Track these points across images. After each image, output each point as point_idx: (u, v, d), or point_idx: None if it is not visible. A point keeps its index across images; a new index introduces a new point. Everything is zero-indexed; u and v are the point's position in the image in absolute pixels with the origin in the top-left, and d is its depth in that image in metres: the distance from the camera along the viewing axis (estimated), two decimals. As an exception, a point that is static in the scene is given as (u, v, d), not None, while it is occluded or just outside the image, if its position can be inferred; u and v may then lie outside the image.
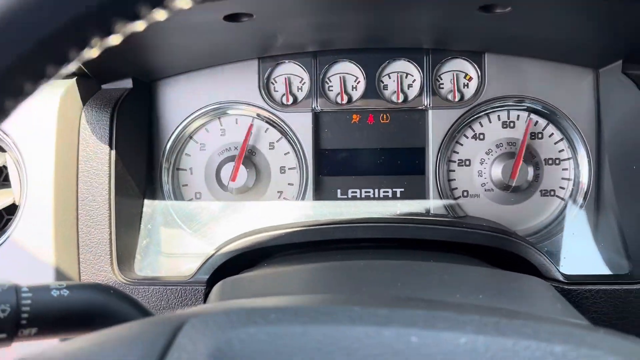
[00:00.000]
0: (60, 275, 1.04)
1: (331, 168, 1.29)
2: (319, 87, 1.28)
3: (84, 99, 1.12)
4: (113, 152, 1.09)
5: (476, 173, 1.28)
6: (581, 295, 1.02)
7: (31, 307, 0.72)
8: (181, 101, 1.28)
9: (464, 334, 0.52)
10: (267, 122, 1.30)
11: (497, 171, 1.25)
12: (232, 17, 0.96)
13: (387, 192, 1.29)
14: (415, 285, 0.78)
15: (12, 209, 1.11)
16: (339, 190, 1.30)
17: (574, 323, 0.58)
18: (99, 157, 1.08)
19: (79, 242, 1.07)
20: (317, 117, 1.29)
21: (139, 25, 0.43)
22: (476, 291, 0.76)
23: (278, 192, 1.30)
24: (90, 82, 1.15)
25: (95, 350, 0.54)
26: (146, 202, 1.21)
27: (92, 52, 0.43)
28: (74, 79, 1.11)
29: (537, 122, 1.27)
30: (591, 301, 1.02)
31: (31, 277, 1.03)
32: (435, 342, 0.51)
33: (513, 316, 0.55)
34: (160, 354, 0.51)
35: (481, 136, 1.28)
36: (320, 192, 1.29)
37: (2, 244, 1.05)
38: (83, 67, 1.09)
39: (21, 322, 0.71)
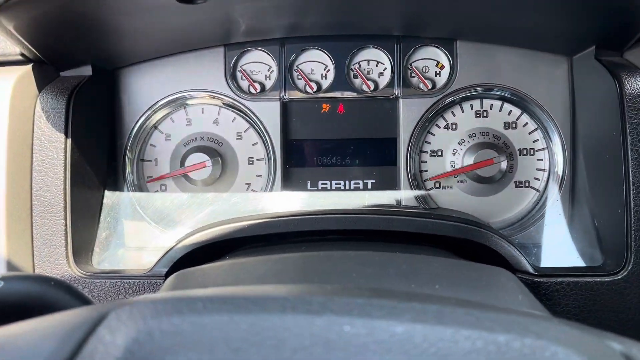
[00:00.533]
0: (12, 267, 1.00)
1: (300, 159, 1.26)
2: (287, 76, 1.25)
3: (40, 87, 1.08)
4: (69, 140, 1.05)
5: (449, 164, 1.25)
6: (552, 288, 0.99)
7: (-39, 300, 0.68)
8: (145, 90, 1.24)
9: (401, 323, 0.48)
10: (233, 111, 1.26)
11: (470, 162, 1.21)
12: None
13: (358, 183, 1.25)
14: (371, 275, 0.75)
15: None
16: (308, 182, 1.26)
17: (525, 312, 0.55)
18: (54, 145, 1.04)
19: (33, 234, 1.03)
20: (285, 106, 1.25)
21: None
22: (433, 281, 0.73)
23: (246, 183, 1.27)
24: (47, 69, 1.11)
25: (8, 340, 0.50)
26: (107, 193, 1.17)
27: None
28: (30, 66, 1.07)
29: (510, 111, 1.24)
30: (562, 294, 0.99)
31: (-19, 270, 0.99)
32: (369, 331, 0.48)
33: (457, 305, 0.51)
34: (76, 346, 0.48)
35: (453, 126, 1.25)
36: (289, 184, 1.25)
37: (-50, 236, 1.00)
38: (38, 53, 1.05)
39: (-51, 314, 0.67)
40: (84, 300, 0.75)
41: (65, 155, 1.04)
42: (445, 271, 0.80)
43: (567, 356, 0.46)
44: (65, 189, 1.04)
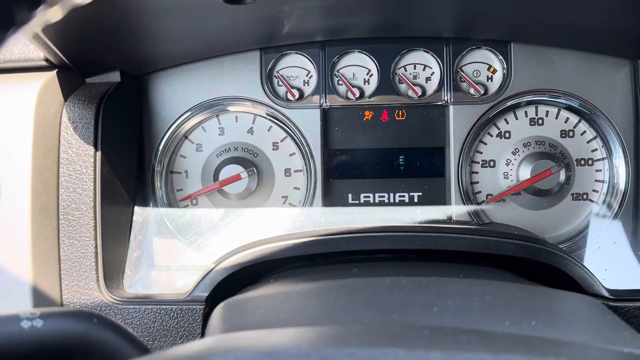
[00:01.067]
0: (39, 295, 0.91)
1: (342, 170, 1.17)
2: (327, 81, 1.16)
3: (66, 95, 0.99)
4: (99, 153, 0.96)
5: (502, 175, 1.16)
6: (630, 313, 0.91)
7: (-3, 344, 0.60)
8: (175, 97, 1.16)
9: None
10: (270, 119, 1.17)
11: (525, 173, 1.13)
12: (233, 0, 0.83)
13: (404, 196, 1.17)
14: (455, 310, 0.66)
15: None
16: (350, 195, 1.18)
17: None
18: (82, 159, 0.96)
19: (60, 257, 0.94)
20: (325, 114, 1.17)
21: None
22: (526, 317, 0.64)
23: (283, 197, 1.18)
24: (72, 75, 1.02)
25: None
26: (136, 209, 1.09)
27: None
28: (54, 72, 0.98)
29: (567, 118, 1.16)
30: (640, 319, 0.90)
31: (6, 299, 0.90)
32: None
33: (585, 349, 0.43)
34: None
35: (507, 134, 1.16)
36: (330, 197, 1.17)
37: (-28, 259, 0.92)
38: (64, 58, 0.96)
39: (-17, 361, 0.58)
40: (130, 339, 0.67)
41: (94, 170, 0.96)
42: (531, 302, 0.71)
43: None
44: (95, 206, 0.95)
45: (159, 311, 0.93)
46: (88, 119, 0.97)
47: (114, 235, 1.00)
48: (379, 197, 1.17)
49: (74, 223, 0.95)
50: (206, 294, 0.93)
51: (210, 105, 1.16)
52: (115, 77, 1.06)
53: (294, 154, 1.18)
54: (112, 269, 0.98)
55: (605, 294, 0.92)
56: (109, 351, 0.65)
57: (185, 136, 1.18)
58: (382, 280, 0.79)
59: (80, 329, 0.65)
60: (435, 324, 0.62)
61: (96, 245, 0.95)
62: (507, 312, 0.67)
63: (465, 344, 0.47)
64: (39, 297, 0.91)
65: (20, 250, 0.91)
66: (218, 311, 0.76)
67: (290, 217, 1.16)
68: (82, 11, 0.81)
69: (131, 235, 1.06)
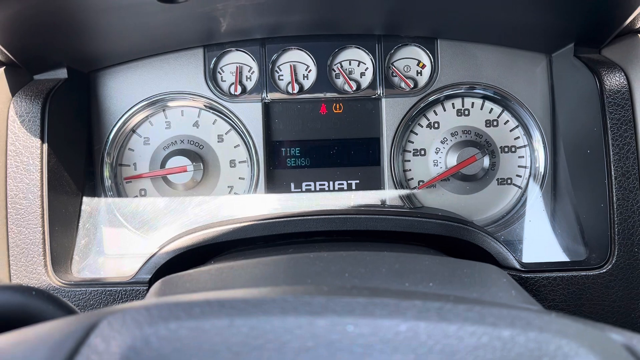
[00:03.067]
0: (-13, 279, 0.96)
1: (283, 160, 1.24)
2: (268, 76, 1.23)
3: (13, 91, 1.04)
4: (45, 145, 1.02)
5: (432, 162, 1.25)
6: (539, 283, 1.00)
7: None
8: (123, 93, 1.21)
9: (405, 320, 0.47)
10: (214, 113, 1.24)
11: (452, 160, 1.22)
12: (167, -2, 0.90)
13: (342, 184, 1.25)
14: (364, 275, 0.74)
15: None
16: (292, 184, 1.25)
17: (524, 307, 0.55)
18: (29, 151, 1.01)
19: (9, 243, 0.99)
20: (267, 107, 1.24)
21: None
22: (426, 279, 0.72)
23: (228, 187, 1.25)
24: (20, 72, 1.07)
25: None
26: (85, 199, 1.14)
27: None
28: (2, 69, 1.03)
29: (491, 109, 1.25)
30: (549, 288, 1.00)
31: (-46, 283, 0.95)
32: (374, 330, 0.47)
33: (458, 301, 0.51)
34: (67, 356, 0.46)
35: (436, 125, 1.25)
36: (273, 186, 1.24)
37: None
38: (10, 56, 1.01)
39: None
40: (68, 310, 0.73)
41: (41, 161, 1.01)
42: (437, 269, 0.79)
43: (571, 349, 0.46)
44: (42, 195, 1.00)
45: (104, 293, 0.98)
46: (35, 113, 1.02)
47: (62, 223, 1.05)
48: (320, 185, 1.25)
49: (22, 212, 1.00)
50: (149, 276, 0.99)
51: (157, 100, 1.22)
52: (62, 73, 1.11)
53: (238, 145, 1.24)
54: (60, 255, 1.03)
55: (517, 266, 1.01)
56: (47, 319, 0.71)
57: (133, 130, 1.23)
58: (306, 255, 0.87)
59: (19, 300, 0.70)
60: (339, 284, 0.69)
61: (43, 232, 1.00)
62: (410, 276, 0.74)
63: (350, 292, 0.55)
64: (-12, 282, 0.96)
65: (-31, 238, 0.96)
66: (153, 287, 0.83)
67: (234, 205, 1.22)
68: (23, 8, 0.87)
69: (79, 224, 1.11)
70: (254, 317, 0.48)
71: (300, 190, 1.24)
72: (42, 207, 1.00)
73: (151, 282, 0.99)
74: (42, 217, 1.00)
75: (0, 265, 0.98)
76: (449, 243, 1.06)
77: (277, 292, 0.56)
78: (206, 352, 0.46)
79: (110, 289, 0.98)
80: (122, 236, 1.17)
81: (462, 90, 1.24)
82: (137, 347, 0.46)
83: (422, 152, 1.25)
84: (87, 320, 0.49)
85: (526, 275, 1.00)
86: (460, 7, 1.07)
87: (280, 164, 1.24)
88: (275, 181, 1.24)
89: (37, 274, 0.99)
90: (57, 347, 0.47)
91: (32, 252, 0.99)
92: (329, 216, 1.05)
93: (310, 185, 1.25)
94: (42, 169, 1.01)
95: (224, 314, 0.49)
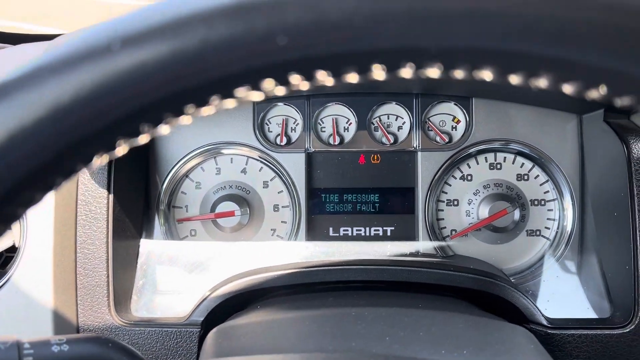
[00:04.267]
0: (58, 317, 1.06)
1: (323, 207, 1.33)
2: (311, 129, 1.32)
3: (83, 143, 1.15)
4: (111, 196, 1.12)
5: (464, 213, 1.32)
6: (564, 340, 1.06)
7: (32, 365, 0.74)
8: (178, 142, 1.31)
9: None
10: (261, 161, 1.33)
11: (484, 211, 1.29)
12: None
13: (378, 230, 1.32)
14: (404, 339, 0.82)
15: (12, 251, 1.14)
16: (330, 229, 1.33)
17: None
18: (97, 201, 1.11)
19: (77, 285, 1.10)
20: (309, 157, 1.32)
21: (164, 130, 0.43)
22: (461, 346, 0.80)
23: (271, 229, 1.34)
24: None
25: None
26: (142, 241, 1.24)
27: (119, 153, 0.43)
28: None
29: (523, 164, 1.31)
30: (573, 345, 1.06)
31: (30, 320, 1.06)
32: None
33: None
34: None
35: (469, 177, 1.32)
36: (313, 230, 1.32)
37: (3, 284, 1.07)
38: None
39: (23, 379, 0.73)
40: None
41: (107, 210, 1.11)
42: (471, 333, 0.87)
43: None
44: (107, 242, 1.10)
45: (160, 333, 1.08)
46: (103, 167, 1.13)
47: (123, 265, 1.15)
48: (356, 230, 1.33)
49: (89, 256, 1.10)
50: (202, 319, 1.09)
51: (209, 148, 1.32)
52: (125, 126, 1.21)
53: (281, 191, 1.33)
54: (121, 295, 1.13)
55: (544, 322, 1.07)
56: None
57: (186, 175, 1.33)
58: (350, 311, 0.95)
59: (98, 352, 0.80)
60: (384, 352, 0.77)
61: (107, 275, 1.10)
62: (446, 342, 0.82)
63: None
64: (59, 321, 1.07)
65: (44, 279, 1.06)
66: (210, 337, 0.92)
67: (277, 250, 1.31)
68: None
69: (137, 265, 1.21)
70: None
71: (338, 234, 1.33)
72: (107, 252, 1.10)
73: (203, 323, 1.09)
74: (107, 261, 1.10)
75: (69, 305, 1.09)
76: (479, 294, 1.13)
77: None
78: None
79: (166, 329, 1.08)
80: (175, 276, 1.27)
81: (495, 146, 1.30)
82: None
83: (455, 202, 1.32)
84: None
85: (552, 332, 1.06)
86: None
87: (320, 209, 1.33)
88: (315, 225, 1.32)
89: (102, 313, 1.09)
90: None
91: (97, 294, 1.09)
92: (367, 267, 1.13)
93: (347, 230, 1.33)
94: (107, 217, 1.11)
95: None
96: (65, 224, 1.10)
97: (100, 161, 0.42)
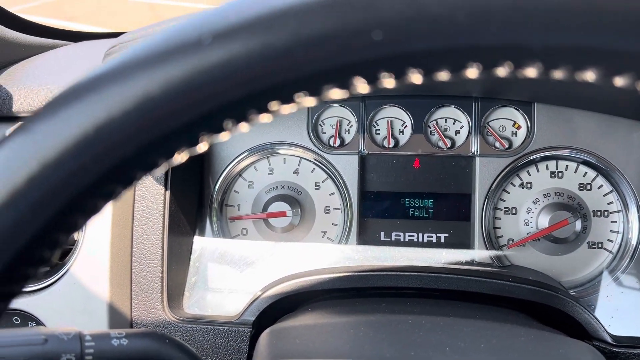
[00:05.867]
0: (113, 311, 1.08)
1: (375, 210, 1.31)
2: (366, 131, 1.30)
3: (142, 140, 1.16)
4: (168, 192, 1.13)
5: (522, 222, 1.27)
6: (630, 359, 1.00)
7: (94, 357, 0.75)
8: (233, 141, 1.32)
9: None
10: (314, 162, 1.32)
11: (544, 221, 1.24)
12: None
13: (432, 237, 1.29)
14: (464, 350, 0.79)
15: (71, 243, 1.17)
16: (382, 233, 1.31)
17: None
18: (154, 197, 1.13)
19: (132, 280, 1.11)
20: (363, 159, 1.31)
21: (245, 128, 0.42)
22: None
23: (322, 231, 1.32)
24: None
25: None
26: (196, 238, 1.25)
27: (200, 149, 0.42)
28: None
29: (586, 173, 1.26)
30: (639, 365, 1.00)
31: (86, 312, 1.07)
32: None
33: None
34: None
35: (529, 185, 1.27)
36: (364, 234, 1.30)
37: (62, 276, 1.09)
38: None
39: (84, 371, 0.74)
40: (193, 357, 0.82)
41: (164, 207, 1.12)
42: (533, 347, 0.83)
43: None
44: (163, 238, 1.12)
45: (212, 331, 1.08)
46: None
47: (177, 262, 1.16)
48: (409, 236, 1.30)
49: (145, 252, 1.12)
50: (253, 319, 1.08)
51: (263, 148, 1.32)
52: (182, 124, 1.22)
53: (333, 193, 1.32)
54: (174, 291, 1.14)
55: (608, 339, 1.02)
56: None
57: (240, 174, 1.34)
58: (405, 318, 0.92)
59: (155, 348, 0.80)
60: (445, 363, 0.74)
61: (162, 271, 1.11)
62: (508, 355, 0.79)
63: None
64: (114, 314, 1.08)
65: (101, 273, 1.08)
66: (264, 337, 0.91)
67: (328, 252, 1.30)
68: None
69: (190, 262, 1.22)
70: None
71: (389, 239, 1.30)
72: (163, 248, 1.12)
73: (255, 323, 1.08)
74: (162, 257, 1.11)
75: (124, 300, 1.10)
76: (538, 307, 1.08)
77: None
78: None
79: (217, 327, 1.08)
80: (226, 274, 1.27)
81: (557, 153, 1.25)
82: None
83: (514, 210, 1.28)
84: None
85: (617, 350, 1.01)
86: (561, 80, 1.10)
87: (373, 213, 1.31)
88: (366, 229, 1.30)
89: (155, 309, 1.10)
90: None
91: (151, 289, 1.10)
92: (421, 274, 1.10)
93: (399, 235, 1.30)
94: (164, 213, 1.12)
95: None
96: (122, 219, 1.11)
97: (181, 157, 0.42)
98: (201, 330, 1.08)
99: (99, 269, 1.09)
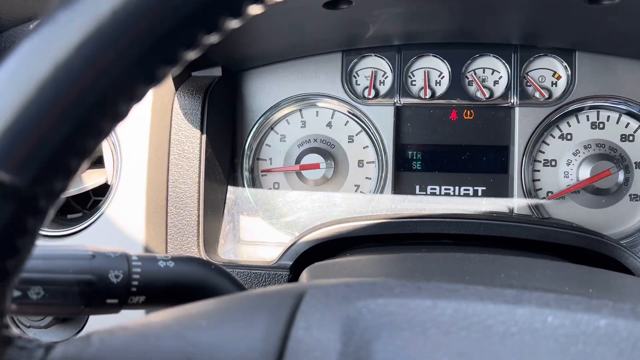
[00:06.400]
0: (148, 252, 1.06)
1: (411, 163, 1.28)
2: (402, 81, 1.28)
3: (177, 85, 1.15)
4: (204, 137, 1.11)
5: (562, 174, 1.24)
6: (681, 302, 0.97)
7: (141, 276, 0.74)
8: (265, 92, 1.30)
9: (602, 317, 0.50)
10: (347, 114, 1.30)
11: (585, 173, 1.21)
12: (331, 5, 0.96)
13: (468, 190, 1.27)
14: (520, 277, 0.76)
15: (101, 191, 1.15)
16: (417, 187, 1.28)
17: None
18: (190, 141, 1.11)
19: (168, 223, 1.09)
20: (398, 111, 1.28)
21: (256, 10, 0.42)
22: (584, 286, 0.74)
23: (355, 185, 1.30)
24: (181, 69, 1.18)
25: (219, 317, 0.54)
26: (230, 188, 1.23)
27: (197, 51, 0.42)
28: (168, 65, 1.14)
29: (628, 124, 1.23)
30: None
31: (122, 254, 1.06)
32: (574, 322, 0.49)
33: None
34: (287, 322, 0.51)
35: (568, 136, 1.24)
36: (399, 187, 1.28)
37: (96, 219, 1.08)
38: (178, 54, 1.11)
39: (132, 289, 0.72)
40: (239, 287, 0.80)
41: (200, 151, 1.11)
42: (589, 277, 0.80)
43: None
44: (199, 182, 1.10)
45: (249, 275, 1.06)
46: (196, 107, 1.12)
47: (213, 208, 1.15)
48: (445, 189, 1.27)
49: (181, 195, 1.10)
50: (290, 263, 1.06)
51: (295, 100, 1.30)
52: (217, 72, 1.21)
53: (367, 147, 1.30)
54: (210, 237, 1.12)
55: (659, 283, 0.99)
56: (222, 292, 0.78)
57: (272, 127, 1.32)
58: (452, 255, 0.90)
59: (201, 272, 0.79)
60: (504, 284, 0.72)
61: (198, 216, 1.09)
62: (566, 282, 0.76)
63: (536, 289, 0.58)
64: (150, 256, 1.06)
65: (136, 216, 1.06)
66: (305, 272, 0.89)
67: (362, 202, 1.27)
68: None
69: (224, 210, 1.20)
70: (454, 301, 0.52)
71: (425, 193, 1.28)
72: (199, 192, 1.10)
73: (292, 268, 1.06)
74: (198, 202, 1.10)
75: (159, 243, 1.09)
76: (582, 256, 1.05)
77: (462, 283, 0.60)
78: (418, 328, 0.50)
79: (255, 271, 1.06)
80: (259, 225, 1.25)
81: (599, 103, 1.22)
82: (354, 317, 0.51)
83: (553, 162, 1.25)
84: (292, 292, 0.55)
85: (668, 294, 0.98)
86: (609, 20, 1.07)
87: (408, 166, 1.28)
88: (401, 183, 1.28)
89: (191, 253, 1.08)
90: (275, 313, 0.52)
91: (188, 233, 1.09)
92: (461, 220, 1.07)
93: (435, 189, 1.28)
94: (200, 158, 1.11)
95: (425, 295, 0.53)
96: (158, 162, 1.10)
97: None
98: (239, 275, 1.06)
99: (134, 212, 1.07)
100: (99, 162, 1.18)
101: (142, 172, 1.08)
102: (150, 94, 1.09)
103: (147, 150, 1.08)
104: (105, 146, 1.13)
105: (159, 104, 1.10)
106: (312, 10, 0.99)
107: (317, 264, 0.92)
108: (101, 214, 1.09)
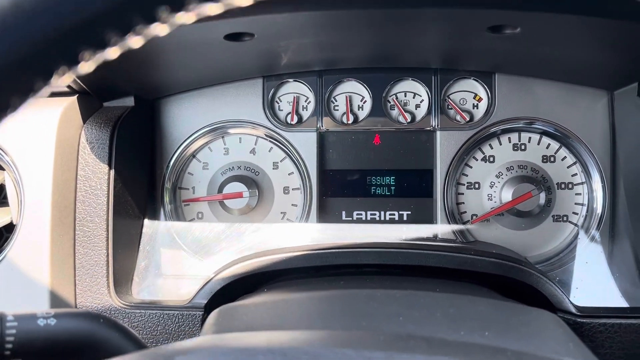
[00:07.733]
0: (55, 297, 1.01)
1: (336, 189, 1.26)
2: (324, 107, 1.26)
3: (85, 117, 1.10)
4: (112, 171, 1.07)
5: (486, 197, 1.24)
6: (595, 329, 0.97)
7: (16, 337, 0.69)
8: (184, 120, 1.26)
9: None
10: (271, 141, 1.27)
11: (507, 195, 1.21)
12: (233, 37, 0.93)
13: (394, 214, 1.25)
14: (419, 319, 0.74)
15: (10, 228, 1.10)
16: (343, 212, 1.26)
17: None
18: (97, 176, 1.06)
19: (76, 264, 1.04)
20: (322, 136, 1.26)
21: (135, 42, 0.39)
22: (482, 327, 0.72)
23: (281, 212, 1.27)
24: (91, 100, 1.13)
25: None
26: (146, 222, 1.19)
27: (85, 67, 0.39)
28: (75, 97, 1.09)
29: (549, 144, 1.23)
30: (605, 335, 0.97)
31: (26, 298, 1.01)
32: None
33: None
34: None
35: (491, 158, 1.24)
36: (325, 214, 1.26)
37: (-2, 263, 1.03)
38: (83, 85, 1.07)
39: (4, 352, 0.68)
40: (132, 339, 0.76)
41: (108, 187, 1.06)
42: (493, 315, 0.79)
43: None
44: (107, 219, 1.05)
45: (162, 316, 1.02)
46: (104, 140, 1.08)
47: (124, 245, 1.10)
48: (371, 214, 1.26)
49: (89, 234, 1.05)
50: (205, 301, 1.02)
51: (217, 127, 1.26)
52: (129, 101, 1.16)
53: (292, 173, 1.27)
54: (122, 276, 1.08)
55: (573, 310, 0.99)
56: (112, 348, 0.74)
57: (193, 155, 1.28)
58: (359, 292, 0.88)
59: (88, 328, 0.74)
60: (396, 331, 0.70)
61: (107, 255, 1.05)
62: (466, 323, 0.74)
63: (411, 348, 0.56)
64: (56, 300, 1.01)
65: (40, 257, 1.01)
66: (212, 316, 0.85)
67: (287, 232, 1.24)
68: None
69: (140, 246, 1.16)
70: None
71: (351, 219, 1.26)
72: (107, 230, 1.05)
73: (207, 307, 1.02)
74: (107, 240, 1.05)
75: (67, 285, 1.04)
76: (502, 281, 1.05)
77: (337, 342, 0.57)
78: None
79: (168, 312, 1.02)
80: (180, 259, 1.21)
81: (519, 125, 1.22)
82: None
83: (477, 185, 1.24)
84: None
85: (582, 320, 0.98)
86: (518, 46, 1.07)
87: (333, 192, 1.26)
88: (327, 209, 1.26)
89: (100, 294, 1.04)
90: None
91: (96, 274, 1.04)
92: (381, 249, 1.05)
93: (361, 214, 1.26)
94: (108, 193, 1.06)
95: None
96: (64, 200, 1.05)
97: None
98: (150, 316, 1.02)
99: (38, 254, 1.02)
100: (4, 199, 1.13)
101: (46, 211, 1.03)
102: (55, 128, 1.04)
103: (51, 187, 1.03)
104: (9, 183, 1.08)
105: (65, 138, 1.06)
106: (214, 43, 0.96)
107: (224, 307, 0.88)
108: (3, 257, 1.03)
